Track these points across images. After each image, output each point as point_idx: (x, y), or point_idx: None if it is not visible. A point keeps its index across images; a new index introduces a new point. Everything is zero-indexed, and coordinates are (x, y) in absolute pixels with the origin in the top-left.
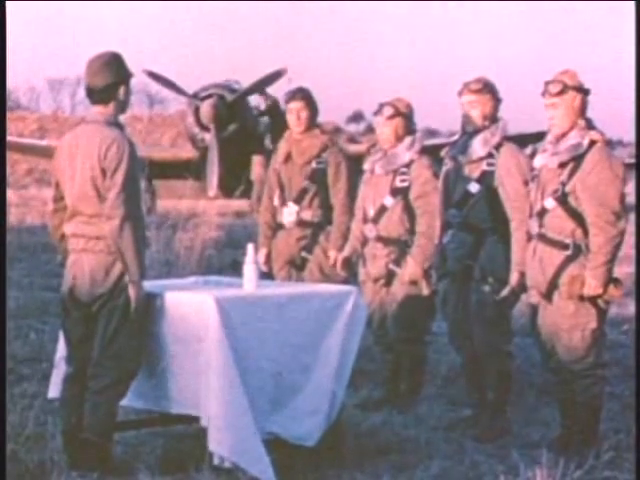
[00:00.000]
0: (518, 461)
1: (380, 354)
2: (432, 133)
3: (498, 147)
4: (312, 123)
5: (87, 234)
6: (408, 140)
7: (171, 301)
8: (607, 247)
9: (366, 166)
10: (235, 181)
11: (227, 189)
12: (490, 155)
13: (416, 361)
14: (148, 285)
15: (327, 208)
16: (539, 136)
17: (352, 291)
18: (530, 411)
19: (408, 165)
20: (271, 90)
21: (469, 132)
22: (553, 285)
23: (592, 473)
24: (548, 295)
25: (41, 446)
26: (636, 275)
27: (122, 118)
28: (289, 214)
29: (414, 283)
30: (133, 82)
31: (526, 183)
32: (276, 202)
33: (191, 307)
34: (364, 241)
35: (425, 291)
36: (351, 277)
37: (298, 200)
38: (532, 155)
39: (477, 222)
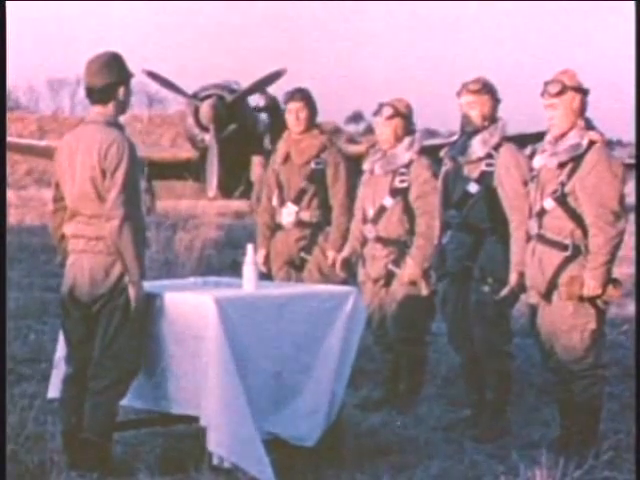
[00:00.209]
0: (518, 461)
1: (380, 354)
2: (431, 133)
3: (497, 147)
4: (311, 123)
5: (87, 234)
6: (407, 140)
7: (170, 301)
8: (606, 248)
9: (365, 166)
10: (234, 181)
11: (226, 189)
12: (489, 155)
13: (416, 361)
14: (147, 285)
15: (326, 209)
16: (538, 136)
17: (352, 291)
18: (530, 411)
19: (407, 165)
20: (271, 90)
21: (468, 132)
22: (552, 285)
23: (592, 473)
24: (547, 295)
25: (41, 446)
26: (636, 276)
27: (122, 118)
28: (288, 214)
29: (413, 283)
30: (132, 82)
31: (525, 183)
32: (275, 202)
33: (190, 307)
34: (363, 242)
35: (424, 291)
36: (350, 278)
37: (297, 200)
38: (531, 155)
39: (476, 222)
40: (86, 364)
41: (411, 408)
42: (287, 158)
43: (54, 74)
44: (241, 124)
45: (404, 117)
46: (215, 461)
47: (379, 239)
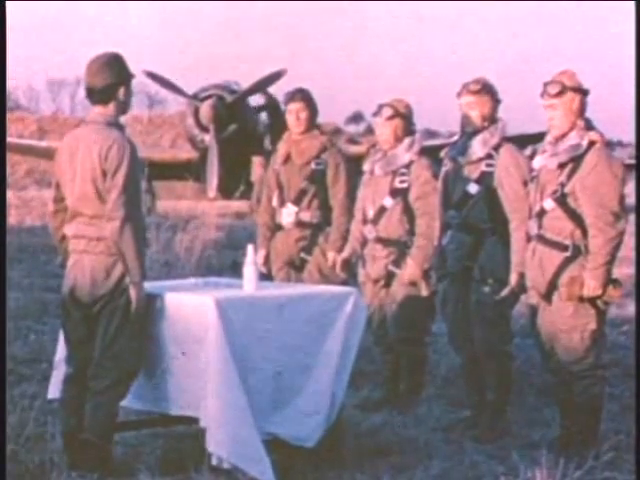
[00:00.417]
0: (518, 462)
1: (380, 355)
2: (431, 134)
3: (497, 148)
4: (312, 124)
5: (88, 235)
6: (407, 141)
7: (171, 302)
8: (606, 248)
9: (366, 167)
10: (235, 182)
11: (226, 190)
12: (489, 156)
13: (416, 362)
14: (148, 286)
15: (326, 209)
16: (538, 137)
17: (352, 292)
18: (530, 411)
19: (407, 166)
20: (271, 91)
21: (468, 133)
22: (552, 286)
23: (592, 474)
24: (547, 296)
25: (41, 447)
26: (636, 276)
27: (122, 119)
28: (288, 215)
29: (414, 284)
30: (132, 83)
31: (525, 184)
32: (275, 203)
33: (191, 308)
34: (364, 242)
35: (424, 292)
36: (350, 278)
37: (297, 201)
38: (531, 156)
39: (476, 223)
40: (86, 365)
41: (411, 408)
42: (287, 158)
43: (54, 74)
44: (241, 124)
45: (404, 118)
46: (214, 461)
47: (379, 239)
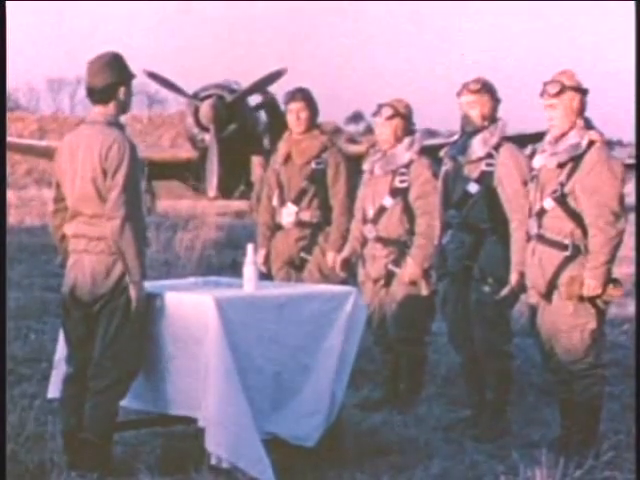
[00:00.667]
0: (518, 461)
1: (380, 354)
2: (431, 133)
3: (497, 147)
4: (312, 123)
5: (88, 235)
6: (407, 140)
7: (171, 302)
8: (606, 247)
9: (365, 166)
10: (234, 182)
11: (226, 190)
12: (489, 155)
13: (416, 361)
14: (148, 285)
15: (326, 209)
16: (538, 136)
17: (352, 292)
18: (530, 411)
19: (407, 165)
20: (271, 90)
21: (468, 132)
22: (552, 285)
23: (592, 473)
24: (547, 295)
25: (41, 446)
26: (636, 276)
27: (122, 119)
28: (288, 215)
29: (413, 283)
30: (132, 82)
31: (525, 183)
32: (275, 202)
33: (191, 308)
34: (363, 242)
35: (424, 291)
36: (350, 278)
37: (297, 201)
38: (531, 155)
39: (476, 222)
40: (86, 364)
41: (411, 408)
42: (288, 158)
43: (54, 74)
44: (241, 124)
45: (404, 117)
46: (214, 461)
47: (379, 239)
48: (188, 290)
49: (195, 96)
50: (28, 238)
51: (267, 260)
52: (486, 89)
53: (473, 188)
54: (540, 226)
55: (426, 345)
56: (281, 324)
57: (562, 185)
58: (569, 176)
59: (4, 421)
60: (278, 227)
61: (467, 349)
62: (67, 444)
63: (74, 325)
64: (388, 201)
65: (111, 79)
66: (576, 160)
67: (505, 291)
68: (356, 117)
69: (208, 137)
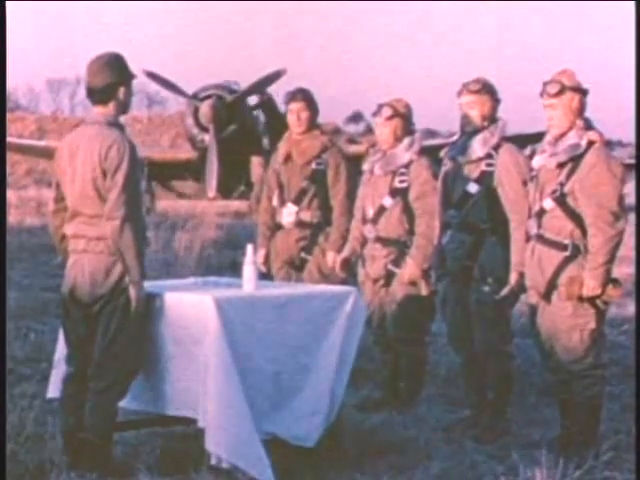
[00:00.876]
0: (518, 461)
1: (379, 354)
2: (431, 133)
3: (497, 147)
4: (312, 124)
5: (88, 235)
6: (407, 141)
7: (170, 302)
8: (606, 248)
9: (365, 167)
10: (234, 182)
11: (225, 190)
12: (489, 155)
13: (416, 361)
14: (147, 285)
15: (326, 209)
16: (538, 136)
17: (352, 292)
18: (530, 411)
19: (407, 166)
20: (271, 90)
21: (468, 132)
22: (552, 286)
23: (592, 473)
24: (547, 296)
25: (41, 446)
26: (636, 276)
27: (122, 119)
28: (288, 215)
29: (413, 284)
30: (132, 83)
31: (525, 183)
32: (275, 202)
33: (190, 308)
34: (363, 242)
35: (424, 291)
36: (350, 278)
37: (297, 201)
38: (531, 155)
39: (476, 222)
40: (86, 364)
41: (411, 408)
42: (288, 158)
43: (54, 74)
44: (241, 124)
45: (403, 117)
46: (213, 461)
47: (379, 239)
48: (188, 290)
49: (195, 96)
50: (28, 238)
51: (267, 260)
52: (486, 89)
53: (473, 188)
54: (540, 226)
55: (426, 345)
56: (281, 324)
57: (562, 185)
58: (569, 176)
59: (4, 421)
60: (278, 227)
61: (467, 349)
62: (67, 444)
63: (74, 325)
64: (388, 201)
65: (111, 79)
66: (576, 160)
67: (505, 291)
68: (355, 117)
69: (208, 137)
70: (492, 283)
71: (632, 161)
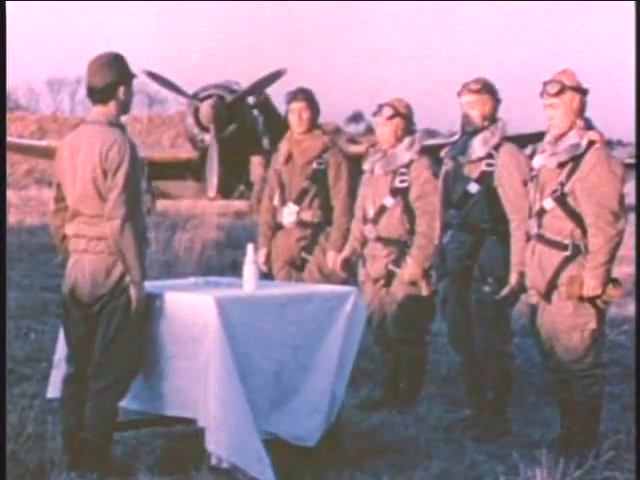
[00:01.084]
0: (518, 461)
1: (380, 354)
2: (431, 133)
3: (497, 147)
4: (313, 124)
5: (88, 235)
6: (407, 140)
7: (171, 302)
8: (606, 247)
9: (366, 166)
10: (234, 182)
11: (226, 190)
12: (489, 155)
13: (416, 361)
14: (148, 286)
15: (327, 209)
16: (538, 136)
17: (352, 291)
18: (530, 411)
19: (408, 165)
20: (271, 91)
21: (469, 132)
22: (552, 285)
23: (592, 473)
24: (547, 295)
25: (41, 446)
26: (636, 276)
27: (122, 118)
28: (289, 214)
29: (414, 283)
30: (133, 82)
31: (525, 183)
32: (276, 202)
33: (191, 308)
34: (364, 241)
35: (425, 291)
36: (351, 277)
37: (298, 200)
38: (531, 155)
39: (476, 222)
40: (86, 364)
41: (411, 408)
42: (289, 158)
43: (54, 74)
44: (241, 124)
45: (404, 117)
46: (214, 461)
47: (379, 239)
48: (188, 290)
49: (195, 96)
50: (28, 238)
51: (268, 260)
52: (486, 89)
53: (473, 188)
54: (540, 226)
55: (426, 345)
56: (281, 324)
57: (562, 185)
58: (569, 176)
59: (4, 421)
60: (279, 227)
61: (467, 349)
62: (67, 444)
63: (74, 325)
64: (388, 201)
65: (111, 79)
66: (576, 160)
67: (505, 291)
68: (356, 117)
69: (208, 137)
70: (492, 283)
71: (632, 161)
